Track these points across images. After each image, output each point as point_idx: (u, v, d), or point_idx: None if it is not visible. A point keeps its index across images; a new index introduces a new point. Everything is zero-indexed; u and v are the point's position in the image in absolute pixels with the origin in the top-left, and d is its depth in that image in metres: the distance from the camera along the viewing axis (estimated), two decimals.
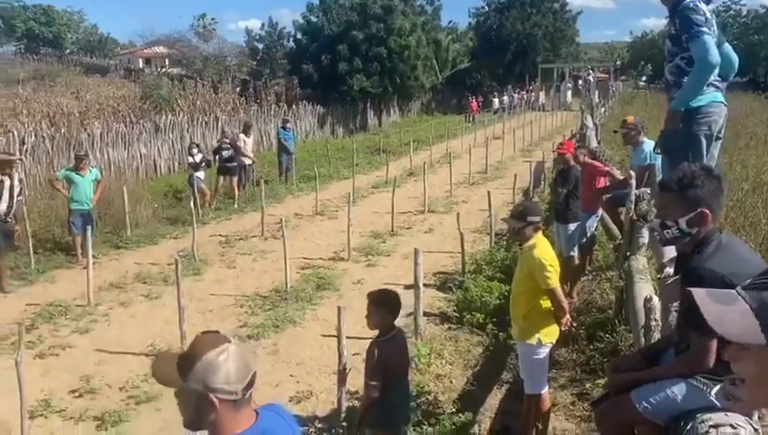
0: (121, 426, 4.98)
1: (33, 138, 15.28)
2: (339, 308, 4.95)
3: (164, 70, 42.14)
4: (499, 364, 5.91)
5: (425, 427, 4.48)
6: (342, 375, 4.63)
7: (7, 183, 7.88)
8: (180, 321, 6.10)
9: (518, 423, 4.65)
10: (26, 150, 14.42)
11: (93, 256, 8.25)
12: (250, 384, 1.72)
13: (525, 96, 42.17)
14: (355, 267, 9.13)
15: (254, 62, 37.25)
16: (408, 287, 7.19)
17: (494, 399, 5.31)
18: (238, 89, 30.82)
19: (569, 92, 42.15)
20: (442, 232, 11.19)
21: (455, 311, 7.12)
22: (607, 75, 45.94)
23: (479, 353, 6.23)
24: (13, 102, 21.91)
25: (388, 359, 3.65)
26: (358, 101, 30.80)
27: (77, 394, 5.54)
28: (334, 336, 5.11)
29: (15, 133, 15.05)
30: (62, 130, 16.65)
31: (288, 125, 17.46)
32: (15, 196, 8.25)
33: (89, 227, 8.58)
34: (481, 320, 6.68)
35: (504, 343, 6.14)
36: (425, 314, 6.81)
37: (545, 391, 4.40)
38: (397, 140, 24.03)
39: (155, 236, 10.98)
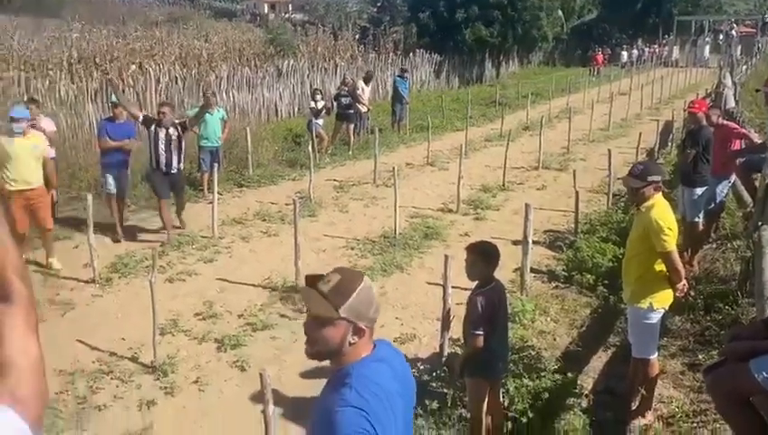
0: (239, 349, 5.39)
1: (167, 78, 16.25)
2: (446, 257, 5.03)
3: (287, 15, 43.10)
4: (607, 327, 5.78)
5: (525, 380, 4.51)
6: (446, 322, 4.73)
7: (162, 134, 7.83)
8: (296, 258, 6.42)
9: (623, 386, 4.58)
10: (160, 90, 15.40)
11: (218, 193, 8.80)
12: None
13: (657, 50, 39.31)
14: (463, 220, 9.15)
15: (375, 9, 37.19)
16: (515, 243, 7.14)
17: (599, 360, 5.23)
18: (357, 36, 30.98)
19: (707, 48, 38.75)
20: (555, 190, 10.90)
21: (563, 270, 6.99)
22: (753, 30, 41.74)
23: (586, 315, 6.12)
24: (149, 44, 23.25)
25: (489, 310, 3.69)
26: (475, 52, 30.04)
27: (200, 317, 6.03)
28: (439, 284, 5.22)
29: (151, 73, 16.06)
30: (193, 72, 17.54)
31: (405, 74, 17.43)
32: (175, 145, 7.96)
33: (216, 165, 9.11)
34: (591, 281, 6.53)
35: (615, 306, 5.98)
36: (532, 270, 6.74)
37: (654, 356, 4.28)
38: (514, 93, 23.34)
39: (275, 176, 11.50)
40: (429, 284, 6.77)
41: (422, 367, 5.06)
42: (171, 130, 7.88)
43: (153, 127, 7.84)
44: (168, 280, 6.79)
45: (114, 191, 8.17)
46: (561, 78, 27.31)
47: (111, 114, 8.53)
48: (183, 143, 8.14)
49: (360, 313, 1.84)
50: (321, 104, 13.33)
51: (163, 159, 7.89)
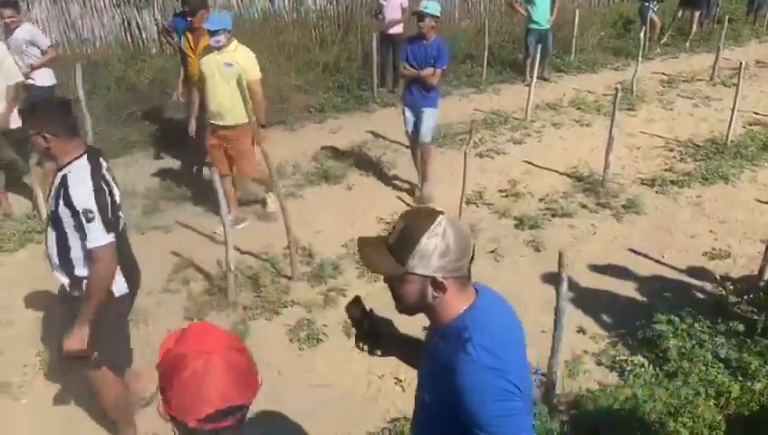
0: (536, 230, 5.54)
1: None
2: None
3: None
4: None
5: None
6: None
7: None
8: (607, 151, 6.19)
9: None
10: None
11: (537, 77, 8.71)
12: (472, 257, 1.58)
13: None
14: None
15: None
16: None
17: None
18: None
19: None
20: None
21: None
22: None
23: None
24: None
25: None
26: None
27: (503, 194, 6.28)
28: None
29: None
30: None
31: None
32: None
33: (539, 46, 8.96)
34: None
35: None
36: None
37: None
38: None
39: (596, 64, 10.93)
40: (759, 202, 5.99)
41: (731, 286, 4.63)
42: None
43: None
44: (479, 155, 7.13)
45: None
46: None
47: None
48: None
49: (433, 264, 1.52)
50: None
51: None
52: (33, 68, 6.22)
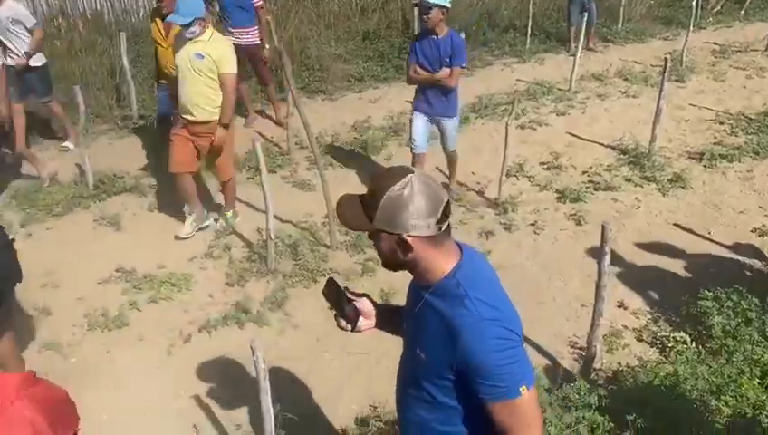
0: (578, 204, 5.44)
1: None
2: None
3: None
4: None
5: None
6: None
7: None
8: (654, 123, 6.01)
9: None
10: None
11: (582, 47, 8.47)
12: (444, 216, 1.55)
13: None
14: None
15: None
16: None
17: None
18: None
19: None
20: None
21: None
22: None
23: None
24: None
25: None
26: None
27: (545, 166, 6.18)
28: None
29: None
30: None
31: None
32: None
33: (585, 14, 8.70)
34: None
35: None
36: None
37: None
38: None
39: (644, 34, 10.56)
40: None
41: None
42: None
43: None
44: (520, 126, 7.00)
45: None
46: None
47: None
48: None
49: (397, 222, 1.52)
50: None
51: None
52: (29, 56, 5.89)
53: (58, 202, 5.50)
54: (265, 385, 2.60)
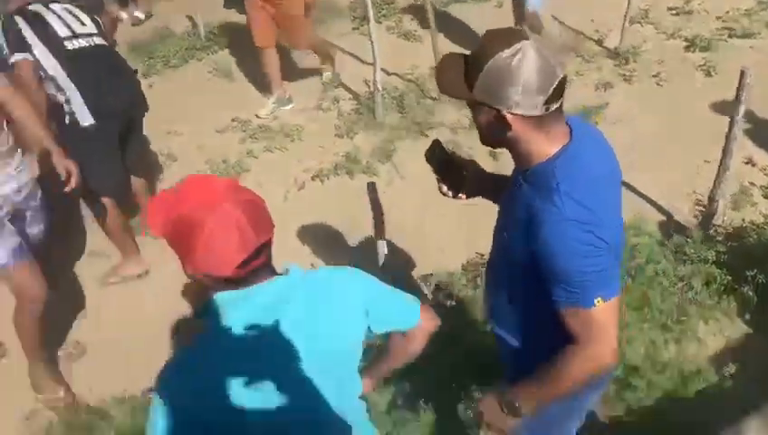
0: (709, 53, 4.95)
1: None
2: None
3: None
4: None
5: None
6: None
7: None
8: None
9: None
10: None
11: None
12: (556, 95, 1.34)
13: None
14: None
15: None
16: None
17: None
18: None
19: None
20: None
21: None
22: None
23: None
24: None
25: None
26: None
27: (673, 12, 5.56)
28: None
29: None
30: None
31: None
32: None
33: None
34: None
35: None
36: None
37: None
38: None
39: None
40: None
41: None
42: None
43: None
44: None
45: None
46: None
47: None
48: None
49: (499, 95, 1.32)
50: None
51: None
52: None
53: (174, 53, 5.69)
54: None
